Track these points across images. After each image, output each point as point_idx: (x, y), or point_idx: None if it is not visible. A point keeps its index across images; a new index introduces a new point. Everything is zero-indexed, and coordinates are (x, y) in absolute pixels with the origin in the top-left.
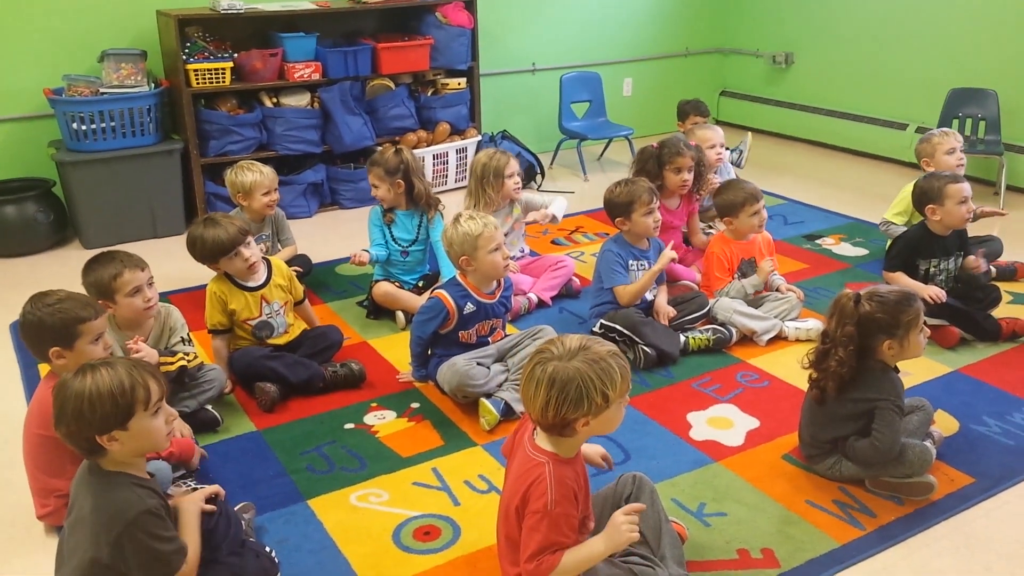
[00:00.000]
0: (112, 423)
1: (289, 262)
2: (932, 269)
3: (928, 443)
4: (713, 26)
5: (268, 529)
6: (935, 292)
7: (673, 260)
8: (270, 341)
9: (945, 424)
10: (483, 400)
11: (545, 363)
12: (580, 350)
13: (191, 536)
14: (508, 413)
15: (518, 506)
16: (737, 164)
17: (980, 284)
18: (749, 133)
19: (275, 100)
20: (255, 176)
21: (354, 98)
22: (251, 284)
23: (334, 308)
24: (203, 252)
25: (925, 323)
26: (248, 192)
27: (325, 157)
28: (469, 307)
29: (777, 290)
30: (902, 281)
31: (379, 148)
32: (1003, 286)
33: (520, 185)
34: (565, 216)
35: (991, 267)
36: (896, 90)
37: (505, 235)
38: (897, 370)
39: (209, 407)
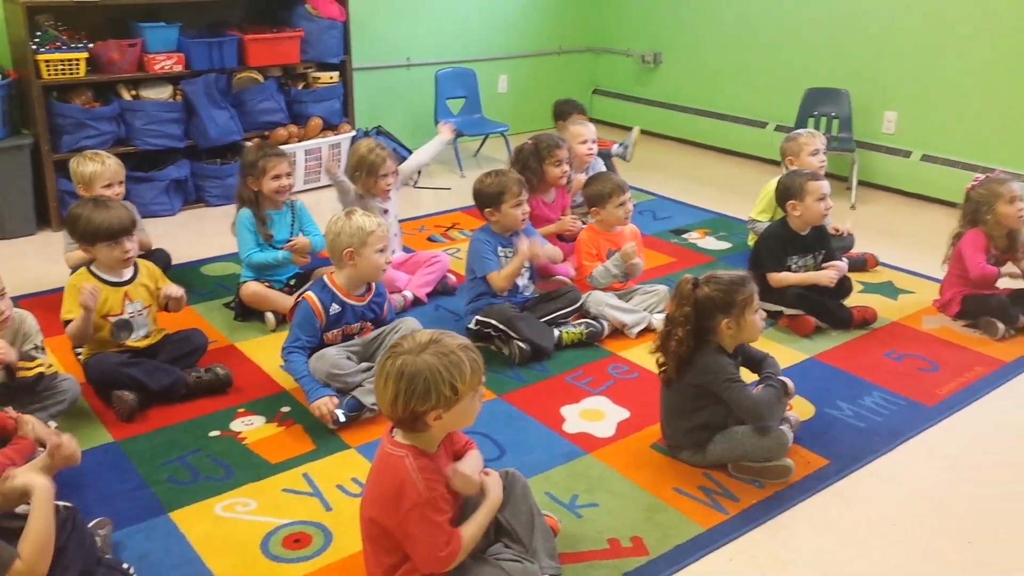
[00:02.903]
0: None
1: (145, 257)
2: (793, 266)
3: (785, 427)
4: (585, 25)
5: (127, 545)
6: (831, 274)
7: (528, 256)
8: (129, 343)
9: (801, 409)
10: None
11: (395, 357)
12: (430, 343)
13: (41, 521)
14: (358, 408)
15: (386, 508)
16: (623, 157)
17: None
18: (636, 128)
19: (134, 93)
20: (96, 167)
21: (220, 91)
22: (115, 279)
23: (199, 310)
24: (85, 233)
25: (782, 312)
26: (88, 183)
27: (189, 152)
28: (334, 308)
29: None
30: (792, 280)
31: (247, 143)
32: (854, 276)
33: (391, 186)
34: (442, 213)
35: (843, 258)
36: (756, 90)
37: (383, 212)
38: (735, 354)
39: (53, 425)
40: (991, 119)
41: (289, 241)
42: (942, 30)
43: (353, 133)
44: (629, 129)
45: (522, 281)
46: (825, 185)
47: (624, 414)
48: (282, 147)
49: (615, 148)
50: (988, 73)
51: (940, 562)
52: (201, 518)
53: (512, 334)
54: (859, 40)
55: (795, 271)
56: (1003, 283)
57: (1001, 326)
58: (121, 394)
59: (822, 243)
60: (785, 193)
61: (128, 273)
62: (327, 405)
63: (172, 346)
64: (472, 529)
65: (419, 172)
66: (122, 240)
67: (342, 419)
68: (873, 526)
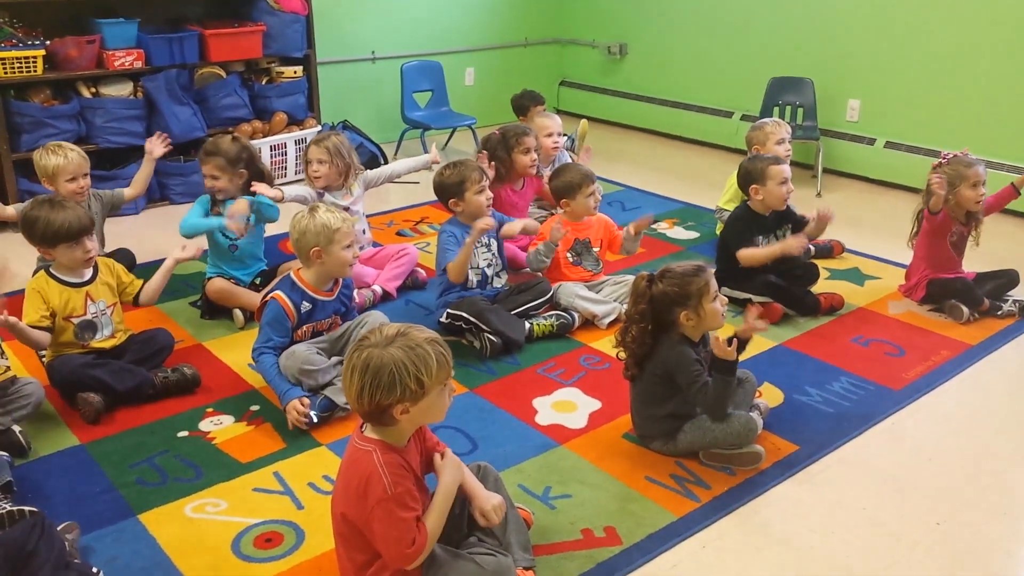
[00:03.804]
0: None
1: (110, 255)
2: (760, 246)
3: (755, 414)
4: (551, 17)
5: (96, 549)
6: (794, 244)
7: (488, 227)
8: (94, 344)
9: (771, 395)
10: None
11: (362, 350)
12: (398, 336)
13: None
14: (331, 407)
15: (354, 504)
16: (571, 150)
17: (800, 262)
18: (584, 121)
19: (94, 90)
20: (58, 160)
21: (182, 87)
22: (75, 280)
23: (165, 310)
24: (44, 235)
25: (750, 300)
26: (52, 177)
27: None
28: (305, 305)
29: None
30: (761, 254)
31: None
32: (821, 263)
33: (317, 174)
34: (411, 207)
35: (810, 246)
36: (722, 79)
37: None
38: (701, 343)
39: (17, 429)
40: (952, 106)
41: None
42: (904, 18)
43: (319, 128)
44: (602, 122)
45: (492, 270)
46: (786, 169)
47: (596, 405)
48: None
49: (564, 141)
50: (949, 60)
51: (909, 544)
52: (171, 520)
53: (483, 327)
54: (822, 29)
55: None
56: (967, 266)
57: (966, 310)
58: (86, 396)
59: (785, 220)
60: (747, 177)
61: (88, 273)
62: (299, 408)
63: (138, 346)
64: (434, 519)
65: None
66: (83, 240)
67: (315, 420)
68: (843, 510)
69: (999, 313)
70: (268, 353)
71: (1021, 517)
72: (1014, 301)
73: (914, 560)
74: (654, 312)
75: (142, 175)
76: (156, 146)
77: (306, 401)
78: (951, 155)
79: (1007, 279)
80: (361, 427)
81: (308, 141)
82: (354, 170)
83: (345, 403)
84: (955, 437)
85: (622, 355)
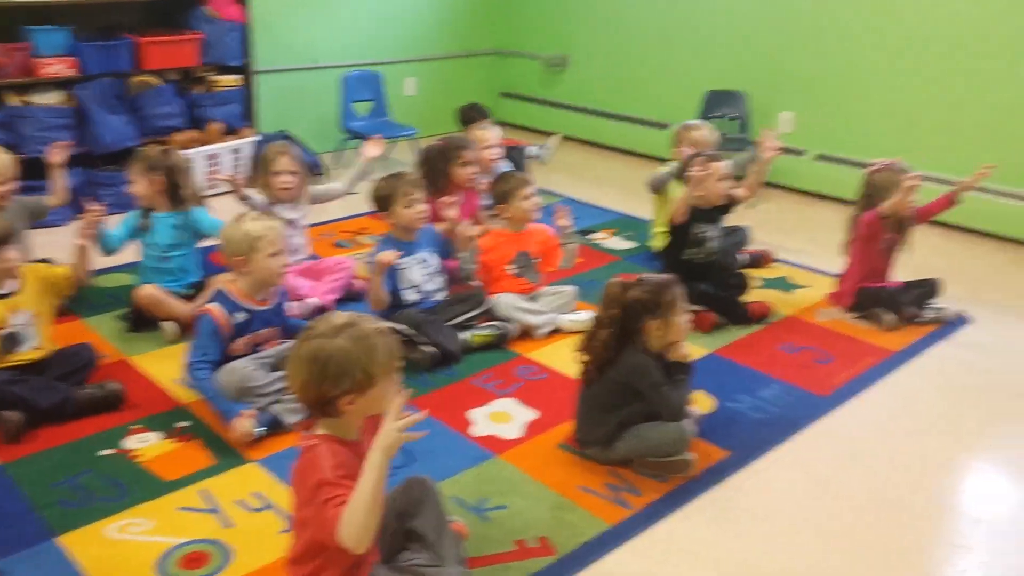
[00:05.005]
0: None
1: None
2: (702, 234)
3: (687, 422)
4: (492, 28)
5: (12, 574)
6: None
7: (387, 261)
8: (16, 358)
9: (703, 403)
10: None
11: (309, 340)
12: (346, 326)
13: None
14: (276, 426)
15: (303, 498)
16: (540, 159)
17: (733, 272)
18: (560, 135)
19: (23, 98)
20: None
21: (115, 95)
22: None
23: (90, 324)
24: None
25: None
26: None
27: (83, 159)
28: (239, 316)
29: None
30: (679, 203)
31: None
32: (751, 273)
33: (288, 185)
34: (349, 218)
35: (740, 254)
36: (659, 92)
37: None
38: (661, 356)
39: None
40: (883, 119)
41: (176, 246)
42: (836, 33)
43: (256, 137)
44: (542, 133)
45: (429, 285)
46: (724, 165)
47: (532, 415)
48: (181, 152)
49: (534, 149)
50: (880, 74)
51: (840, 546)
52: (92, 541)
53: (421, 339)
54: (756, 43)
55: (704, 239)
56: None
57: (890, 317)
58: (6, 414)
59: (725, 210)
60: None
61: (12, 283)
62: (244, 425)
63: (60, 362)
64: (362, 490)
65: (326, 177)
66: (1, 250)
67: (258, 432)
68: (774, 513)
69: (921, 320)
70: (204, 368)
71: (943, 518)
72: (935, 309)
73: (845, 561)
74: (623, 318)
75: (57, 184)
76: (55, 153)
77: (252, 412)
78: (886, 162)
79: (929, 288)
80: (304, 431)
81: (270, 150)
82: (307, 181)
83: (292, 423)
84: (881, 441)
85: (584, 358)
